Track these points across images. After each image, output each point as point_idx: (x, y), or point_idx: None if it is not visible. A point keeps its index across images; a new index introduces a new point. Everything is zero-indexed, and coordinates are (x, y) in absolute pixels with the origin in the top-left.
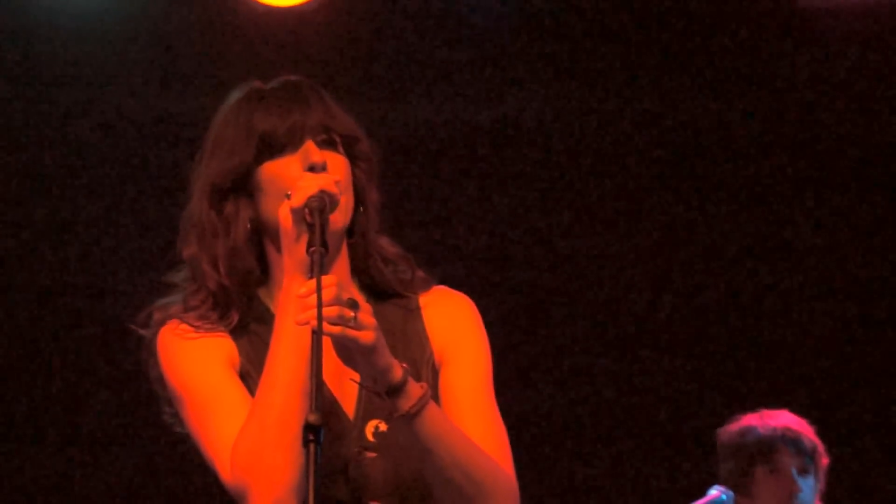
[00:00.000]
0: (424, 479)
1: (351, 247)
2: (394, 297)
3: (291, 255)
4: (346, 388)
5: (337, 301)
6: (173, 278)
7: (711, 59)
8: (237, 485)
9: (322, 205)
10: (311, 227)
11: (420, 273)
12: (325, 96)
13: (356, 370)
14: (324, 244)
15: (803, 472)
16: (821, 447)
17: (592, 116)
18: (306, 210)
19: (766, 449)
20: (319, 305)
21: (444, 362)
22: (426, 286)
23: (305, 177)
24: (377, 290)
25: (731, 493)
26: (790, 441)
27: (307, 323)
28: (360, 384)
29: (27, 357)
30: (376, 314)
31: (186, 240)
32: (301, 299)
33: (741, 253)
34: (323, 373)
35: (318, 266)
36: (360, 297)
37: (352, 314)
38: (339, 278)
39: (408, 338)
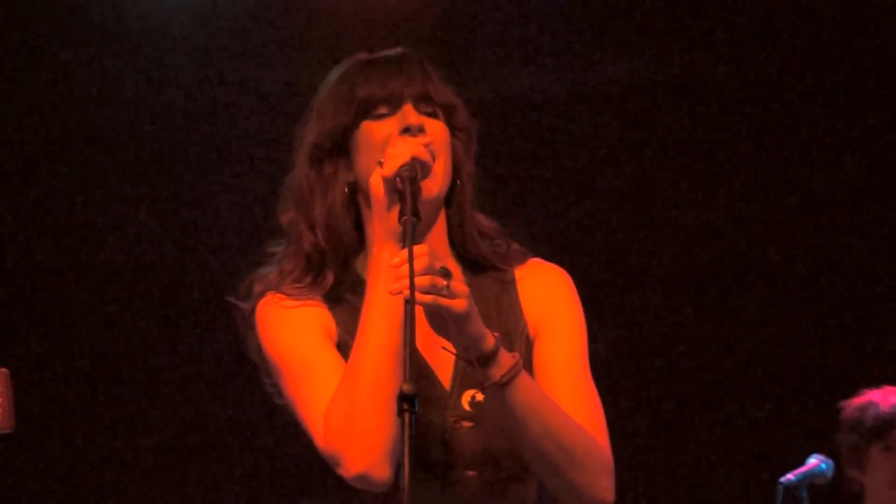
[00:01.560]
0: (519, 450)
1: (447, 218)
2: (489, 270)
3: (383, 224)
4: (441, 357)
5: (429, 270)
6: (274, 249)
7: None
8: (330, 450)
9: (413, 173)
10: (402, 195)
11: (516, 246)
12: (428, 67)
13: (449, 339)
14: (416, 213)
15: None
16: None
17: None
18: (397, 179)
19: (883, 427)
20: (412, 275)
21: (539, 335)
22: (522, 259)
23: (397, 144)
24: (473, 262)
25: (830, 461)
26: None
27: (400, 292)
28: (452, 353)
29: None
30: (471, 285)
31: (286, 205)
32: (393, 269)
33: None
34: (417, 342)
35: (410, 235)
36: (454, 268)
37: (444, 283)
38: (431, 247)
39: (503, 310)
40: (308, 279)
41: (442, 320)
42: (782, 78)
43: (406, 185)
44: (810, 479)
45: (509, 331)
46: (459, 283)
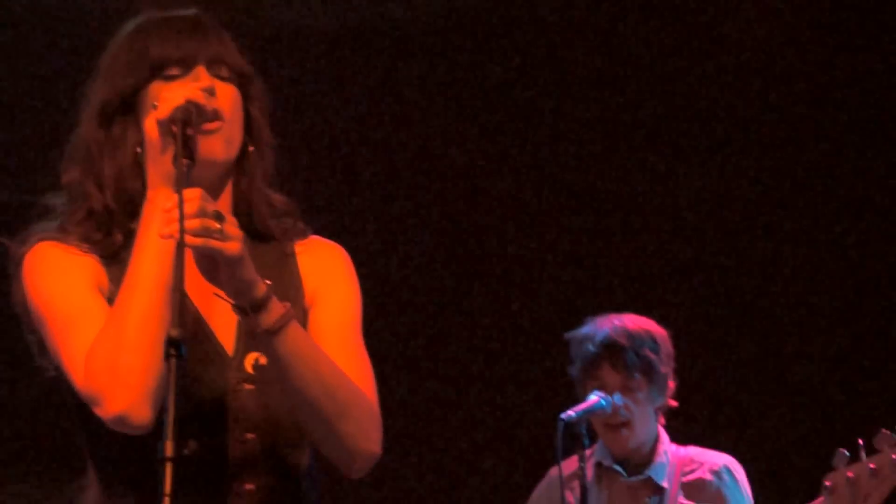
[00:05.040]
0: (291, 402)
1: (235, 186)
2: (271, 241)
3: (157, 168)
4: (224, 319)
5: (201, 213)
6: (51, 200)
7: None
8: (90, 388)
9: (188, 115)
10: (176, 138)
11: (301, 224)
12: (223, 32)
13: (220, 287)
14: (190, 157)
15: None
16: None
17: None
18: (171, 122)
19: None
20: (181, 217)
21: (314, 304)
22: (303, 235)
23: (171, 87)
24: (257, 233)
25: (609, 398)
26: None
27: (171, 236)
28: (223, 298)
29: None
30: (253, 253)
31: (70, 164)
32: (165, 212)
33: None
34: (197, 302)
35: (182, 177)
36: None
37: (217, 226)
38: (203, 191)
39: (282, 278)
40: (98, 236)
41: (214, 265)
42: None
43: (179, 127)
44: (590, 415)
45: (287, 298)
46: (233, 226)
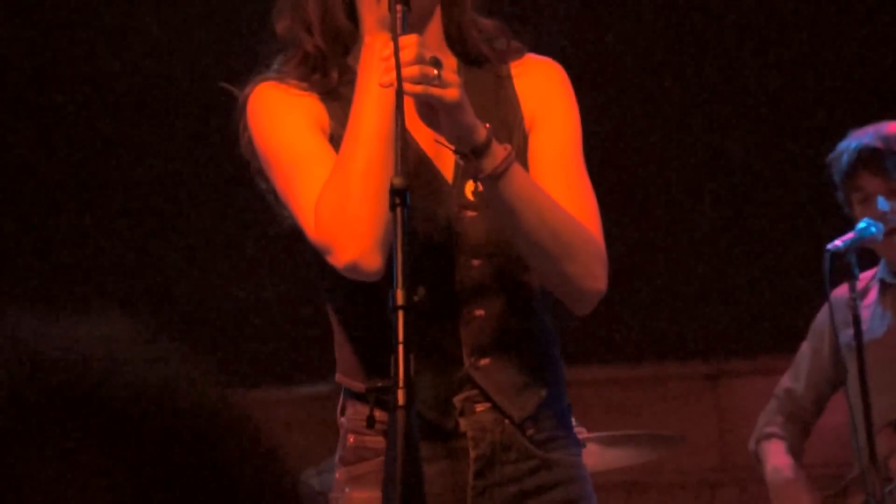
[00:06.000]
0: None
1: (444, 13)
2: (486, 64)
3: (372, 13)
4: (442, 150)
5: (419, 60)
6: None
7: None
8: (321, 238)
9: None
10: None
11: (515, 43)
12: None
13: (440, 132)
14: (405, 1)
15: None
16: None
17: None
18: None
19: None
20: (398, 64)
21: (534, 127)
22: (519, 55)
23: None
24: (469, 58)
25: (880, 224)
26: None
27: (391, 84)
28: (444, 145)
29: None
30: (467, 80)
31: (281, 13)
32: (383, 60)
33: None
34: (417, 136)
35: (396, 23)
36: (449, 60)
37: (434, 72)
38: (421, 38)
39: (499, 103)
40: (314, 77)
41: (433, 111)
42: None
43: None
44: (860, 243)
45: (506, 123)
46: (451, 72)
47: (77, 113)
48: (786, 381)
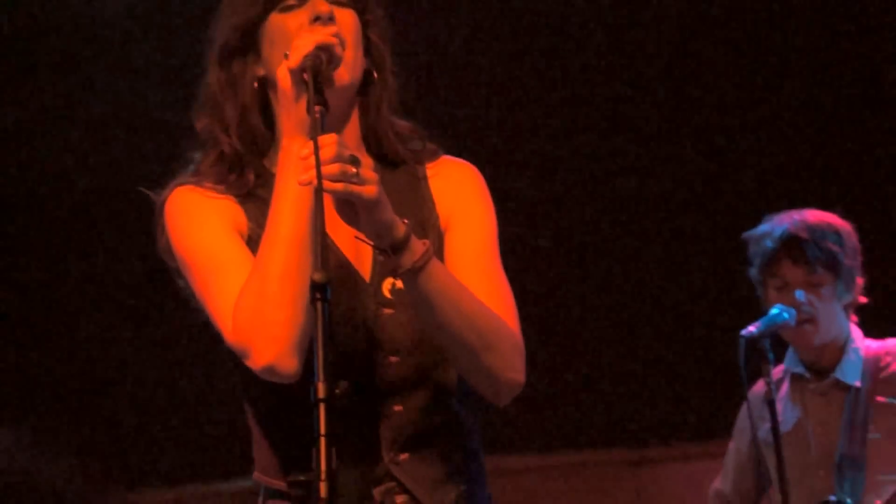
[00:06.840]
0: (434, 336)
1: (362, 114)
2: (402, 165)
3: (291, 117)
4: (359, 249)
5: (338, 158)
6: (195, 155)
7: None
8: (239, 342)
9: (318, 62)
10: (308, 86)
11: (430, 145)
12: None
13: (360, 229)
14: (323, 103)
15: None
16: None
17: None
18: (303, 70)
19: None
20: (318, 163)
21: (450, 227)
22: (434, 156)
23: (302, 35)
24: (387, 160)
25: (792, 309)
26: None
27: (310, 182)
28: (364, 241)
29: None
30: (384, 180)
31: (200, 111)
32: (302, 160)
33: None
34: (334, 234)
35: (317, 124)
36: (366, 160)
37: (353, 170)
38: (339, 137)
39: (415, 203)
40: (230, 178)
41: (352, 209)
42: None
43: (311, 74)
44: (773, 328)
45: (422, 222)
46: (368, 170)
47: None
48: (716, 483)
